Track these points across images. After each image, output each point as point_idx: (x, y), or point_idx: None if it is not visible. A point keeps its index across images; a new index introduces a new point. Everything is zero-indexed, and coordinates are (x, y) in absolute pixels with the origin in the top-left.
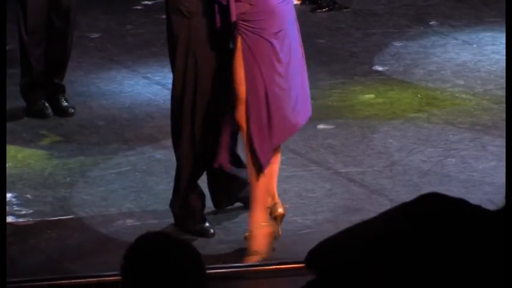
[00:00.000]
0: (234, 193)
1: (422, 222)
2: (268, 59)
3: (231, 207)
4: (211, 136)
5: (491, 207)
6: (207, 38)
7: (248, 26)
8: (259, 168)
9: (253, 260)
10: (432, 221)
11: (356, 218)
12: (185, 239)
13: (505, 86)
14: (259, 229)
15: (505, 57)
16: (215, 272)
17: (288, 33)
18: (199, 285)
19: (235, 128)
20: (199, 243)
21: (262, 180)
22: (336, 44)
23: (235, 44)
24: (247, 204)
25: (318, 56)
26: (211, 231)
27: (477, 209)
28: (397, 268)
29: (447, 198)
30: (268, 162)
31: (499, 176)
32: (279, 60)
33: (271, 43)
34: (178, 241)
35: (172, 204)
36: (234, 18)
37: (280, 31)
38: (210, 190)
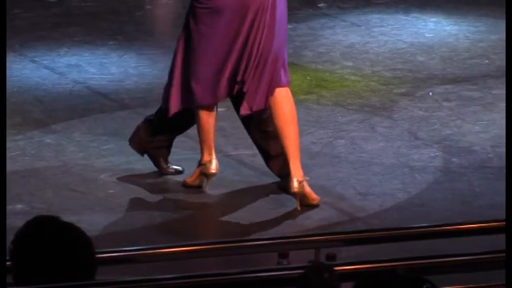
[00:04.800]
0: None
1: None
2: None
3: None
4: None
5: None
6: None
7: None
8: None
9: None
10: None
11: (247, 200)
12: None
13: (394, 67)
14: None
15: (395, 39)
16: (105, 256)
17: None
18: (88, 269)
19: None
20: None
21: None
22: None
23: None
24: None
25: None
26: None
27: None
28: None
29: None
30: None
31: (388, 157)
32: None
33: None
34: (68, 225)
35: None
36: None
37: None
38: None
